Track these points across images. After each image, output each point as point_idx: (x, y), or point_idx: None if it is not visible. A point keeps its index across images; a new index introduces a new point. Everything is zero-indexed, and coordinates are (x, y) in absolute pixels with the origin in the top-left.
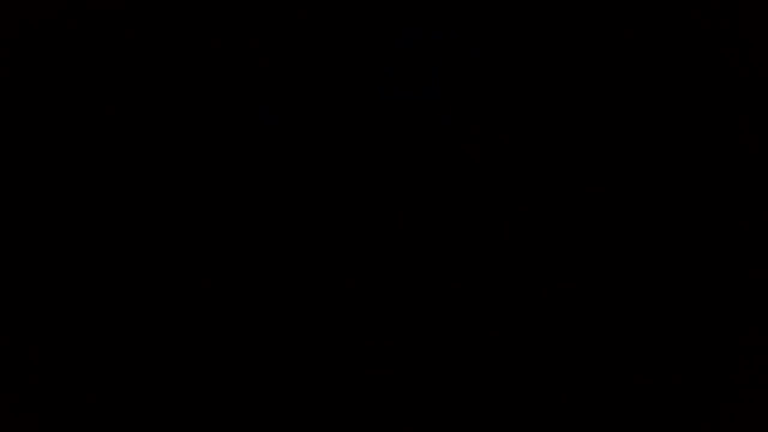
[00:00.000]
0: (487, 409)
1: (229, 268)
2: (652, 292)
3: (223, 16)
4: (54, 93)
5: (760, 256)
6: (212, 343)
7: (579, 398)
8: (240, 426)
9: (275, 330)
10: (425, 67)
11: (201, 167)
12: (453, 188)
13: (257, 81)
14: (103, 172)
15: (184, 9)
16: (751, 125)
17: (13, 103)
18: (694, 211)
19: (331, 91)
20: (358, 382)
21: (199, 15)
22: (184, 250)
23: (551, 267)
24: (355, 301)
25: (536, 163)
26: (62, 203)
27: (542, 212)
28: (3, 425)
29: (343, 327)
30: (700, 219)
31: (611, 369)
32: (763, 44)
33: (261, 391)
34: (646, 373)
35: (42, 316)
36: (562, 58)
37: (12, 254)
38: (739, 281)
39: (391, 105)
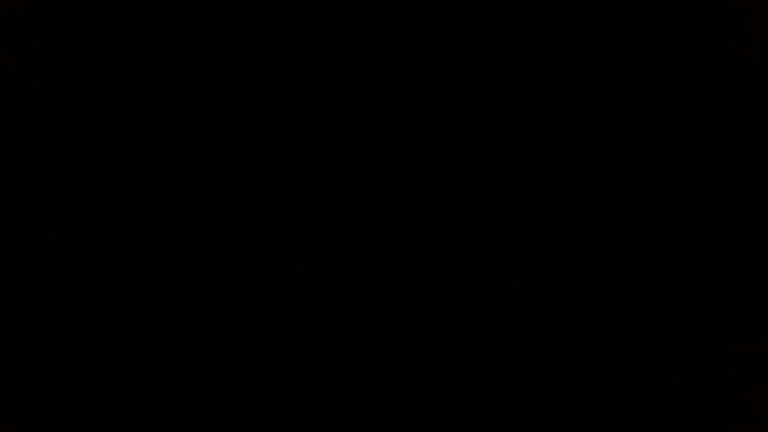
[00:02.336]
0: (486, 409)
1: (231, 268)
2: (652, 293)
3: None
4: (51, 93)
5: (761, 256)
6: (210, 344)
7: (579, 398)
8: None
9: (275, 328)
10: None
11: (198, 165)
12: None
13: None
14: (103, 172)
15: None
16: (752, 124)
17: (11, 102)
18: (695, 211)
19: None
20: (357, 381)
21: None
22: (186, 248)
23: (552, 267)
24: (362, 300)
25: (538, 161)
26: (61, 203)
27: (543, 211)
28: (3, 425)
29: (342, 326)
30: (701, 219)
31: (611, 369)
32: (764, 42)
33: (257, 392)
34: (646, 373)
35: (41, 317)
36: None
37: (11, 255)
38: (740, 281)
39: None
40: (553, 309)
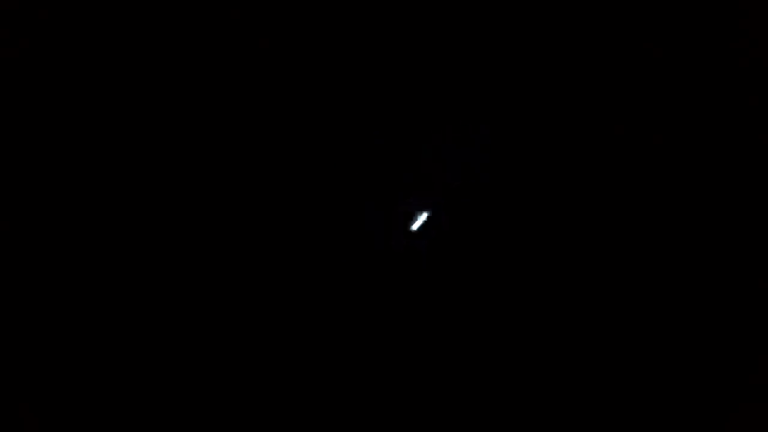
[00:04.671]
0: (486, 409)
1: (228, 268)
2: (653, 293)
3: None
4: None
5: (761, 257)
6: (211, 343)
7: (579, 398)
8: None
9: (275, 330)
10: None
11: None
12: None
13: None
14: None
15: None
16: (755, 123)
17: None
18: (698, 211)
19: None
20: (357, 381)
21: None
22: (183, 249)
23: (552, 267)
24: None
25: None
26: (62, 203)
27: (545, 213)
28: (3, 425)
29: (342, 326)
30: (704, 218)
31: (612, 369)
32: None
33: (259, 391)
34: (647, 374)
35: (42, 317)
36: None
37: (12, 255)
38: (740, 283)
39: None
40: (552, 310)
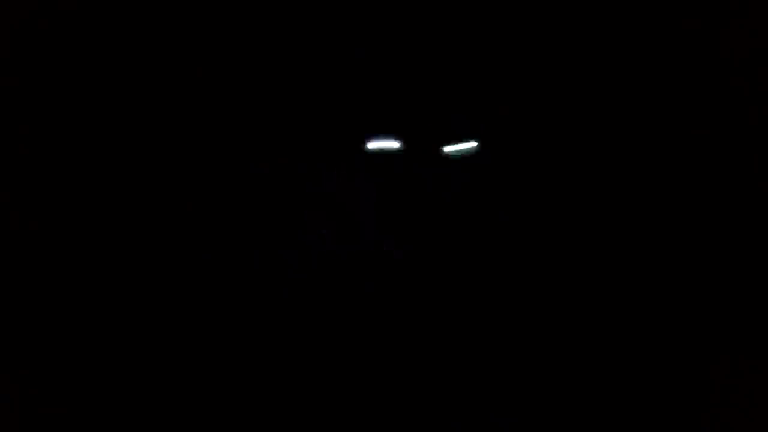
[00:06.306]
0: (485, 408)
1: (224, 271)
2: (651, 293)
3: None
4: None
5: (759, 257)
6: (209, 344)
7: (578, 397)
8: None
9: (274, 330)
10: None
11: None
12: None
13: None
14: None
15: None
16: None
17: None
18: (694, 213)
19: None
20: (356, 381)
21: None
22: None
23: (550, 268)
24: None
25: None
26: (62, 204)
27: (543, 215)
28: (3, 425)
29: (341, 326)
30: (700, 220)
31: (610, 369)
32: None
33: (259, 391)
34: (644, 372)
35: (42, 317)
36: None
37: (12, 255)
38: (738, 283)
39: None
40: (549, 310)
